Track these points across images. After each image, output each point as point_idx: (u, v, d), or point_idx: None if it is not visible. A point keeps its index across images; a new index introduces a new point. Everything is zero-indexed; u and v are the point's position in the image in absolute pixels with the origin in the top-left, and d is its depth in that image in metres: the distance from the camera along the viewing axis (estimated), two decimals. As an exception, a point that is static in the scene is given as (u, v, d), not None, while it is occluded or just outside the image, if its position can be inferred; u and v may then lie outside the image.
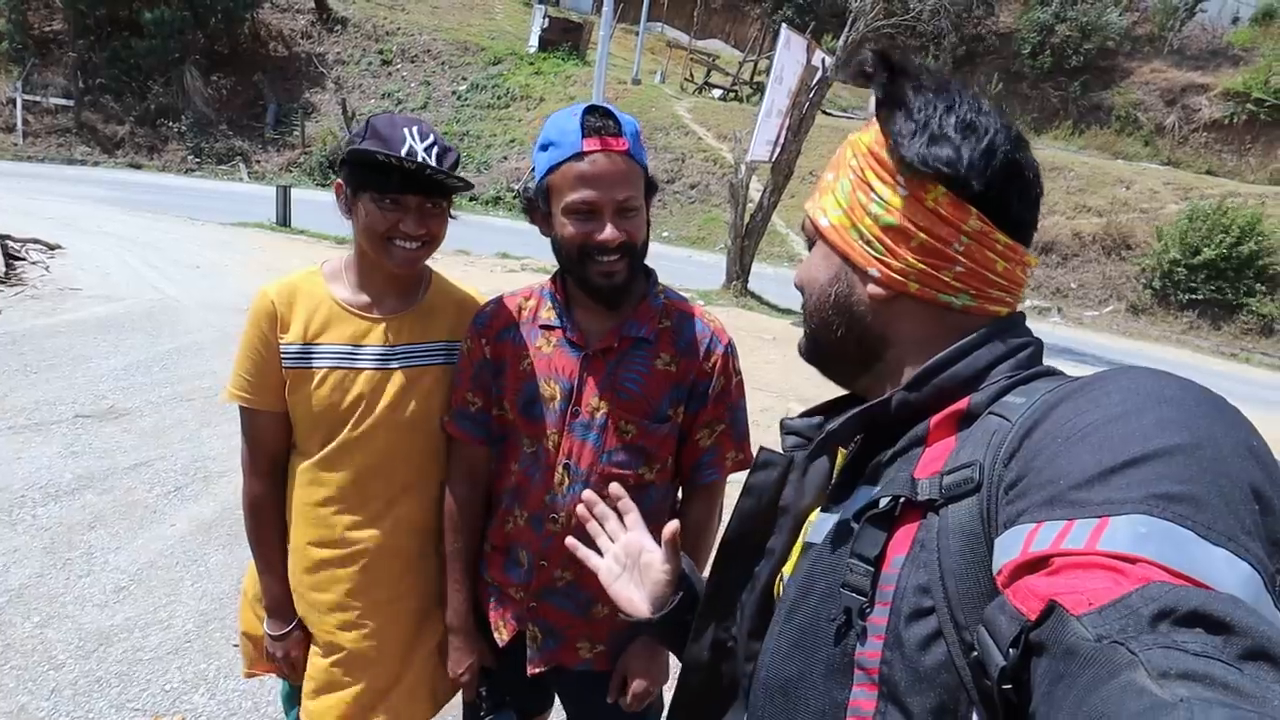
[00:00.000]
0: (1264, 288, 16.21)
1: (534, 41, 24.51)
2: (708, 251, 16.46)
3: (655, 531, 1.59)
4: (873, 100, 0.89)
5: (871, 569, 0.73)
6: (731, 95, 24.86)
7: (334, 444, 1.65)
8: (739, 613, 0.97)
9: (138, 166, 19.10)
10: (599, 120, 1.43)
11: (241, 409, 1.68)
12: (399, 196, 1.54)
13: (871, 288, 0.85)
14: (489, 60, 23.27)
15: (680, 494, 1.71)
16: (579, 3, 32.73)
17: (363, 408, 1.63)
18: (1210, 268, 16.14)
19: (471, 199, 18.61)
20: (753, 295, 12.11)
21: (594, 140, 1.42)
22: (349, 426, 1.63)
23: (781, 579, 0.91)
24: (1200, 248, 16.10)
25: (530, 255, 12.22)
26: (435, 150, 1.53)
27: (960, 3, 27.92)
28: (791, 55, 11.18)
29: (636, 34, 26.16)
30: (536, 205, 1.52)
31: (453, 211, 1.69)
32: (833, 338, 0.90)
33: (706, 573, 1.06)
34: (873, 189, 0.84)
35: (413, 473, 1.69)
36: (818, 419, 0.96)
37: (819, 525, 0.85)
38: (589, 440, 1.54)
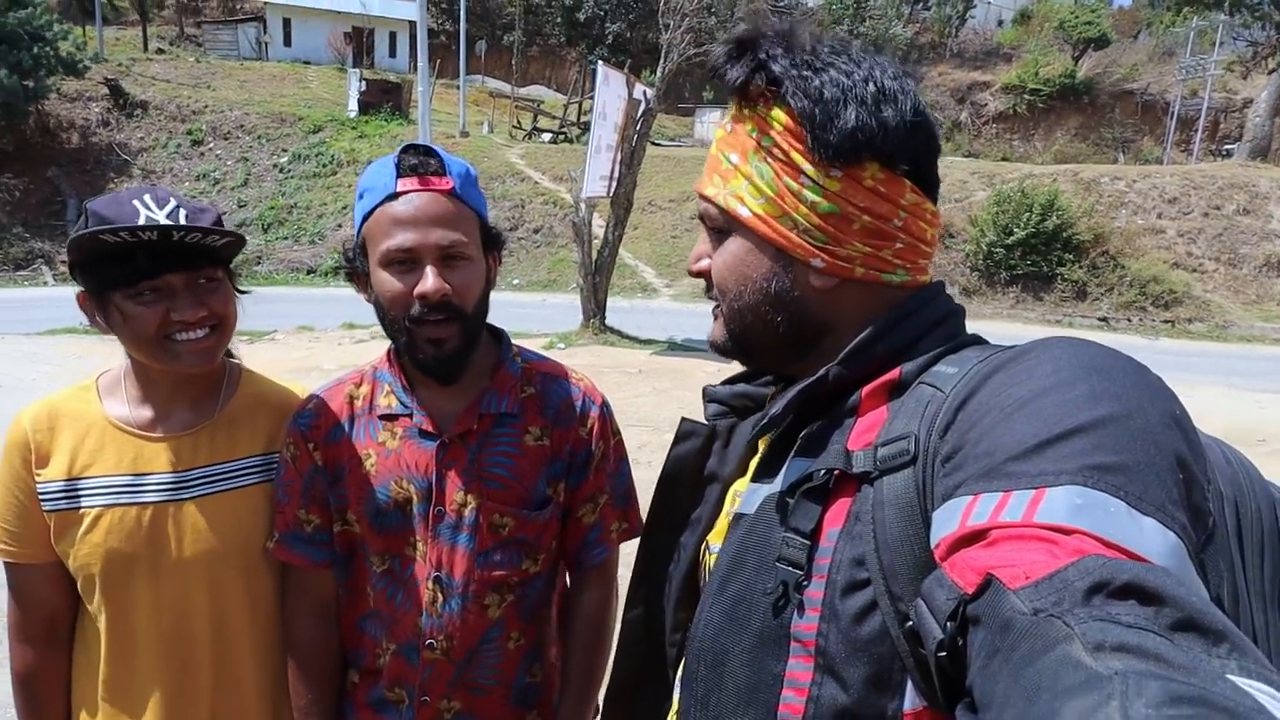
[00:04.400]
0: (1071, 256, 17.76)
1: (353, 105, 23.99)
2: (561, 293, 16.43)
3: (540, 626, 1.43)
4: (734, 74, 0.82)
5: (807, 542, 0.72)
6: (561, 137, 25.17)
7: (118, 604, 1.30)
8: (667, 585, 0.96)
9: (-82, 286, 17.17)
10: (415, 158, 1.25)
11: (6, 564, 1.34)
12: (155, 281, 1.23)
13: (815, 279, 0.82)
14: (308, 129, 22.51)
15: (569, 580, 1.50)
16: (395, 63, 32.39)
17: (151, 553, 1.30)
18: (1024, 245, 17.53)
19: (309, 271, 17.84)
20: (612, 330, 12.13)
21: (410, 179, 1.23)
22: (136, 578, 1.30)
23: (708, 548, 0.90)
24: (1011, 228, 17.50)
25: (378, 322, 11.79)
26: (183, 213, 1.26)
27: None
28: (612, 91, 11.39)
29: (458, 88, 26.08)
30: (355, 265, 1.31)
31: (240, 286, 1.39)
32: (770, 332, 0.85)
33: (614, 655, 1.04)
34: (803, 173, 0.79)
35: (235, 625, 1.36)
36: (740, 386, 0.96)
37: (748, 496, 0.83)
38: (459, 544, 1.30)
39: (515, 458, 1.33)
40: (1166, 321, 16.63)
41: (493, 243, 1.35)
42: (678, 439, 0.97)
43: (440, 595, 1.30)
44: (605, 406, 1.45)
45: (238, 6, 35.53)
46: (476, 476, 1.31)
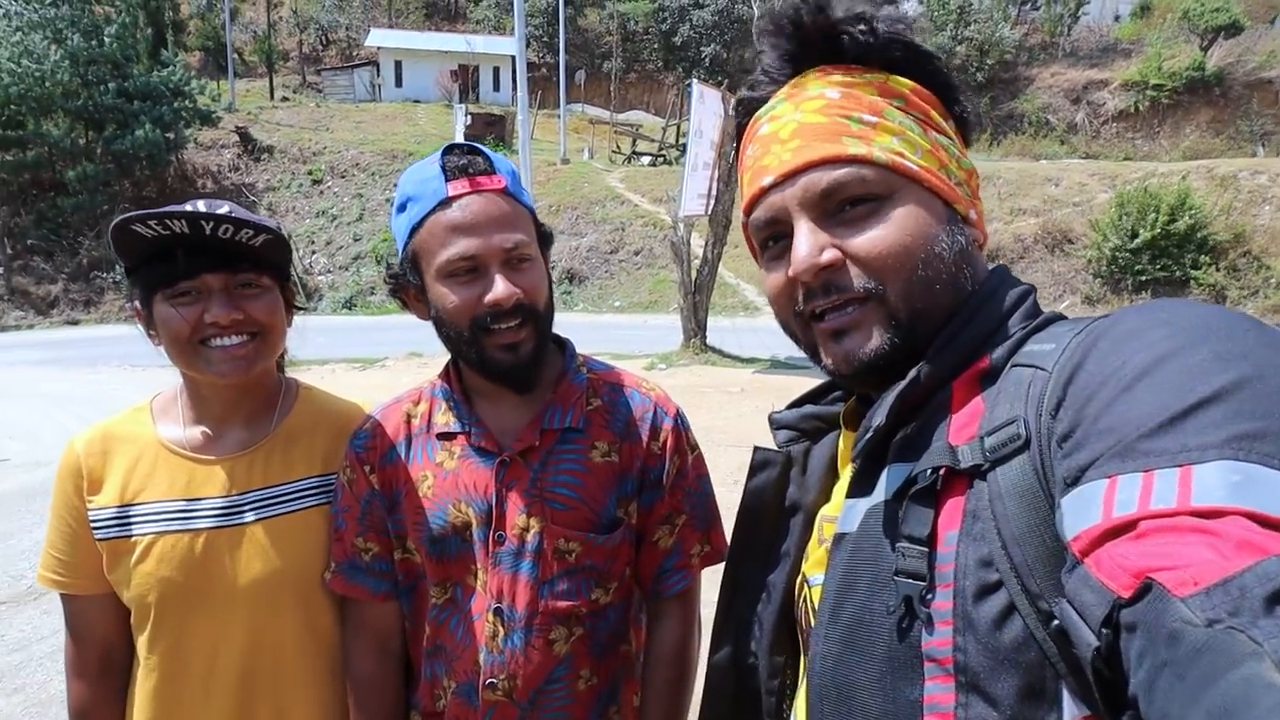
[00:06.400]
0: (1208, 259, 16.49)
1: (459, 139, 24.89)
2: (662, 314, 16.40)
3: (616, 663, 1.29)
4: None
5: (925, 550, 0.66)
6: (660, 160, 25.30)
7: (171, 636, 1.24)
8: (756, 628, 0.90)
9: (75, 323, 18.73)
10: (462, 158, 1.15)
11: (61, 595, 1.29)
12: (191, 282, 1.19)
13: (973, 231, 0.80)
14: (417, 164, 23.53)
15: (645, 613, 1.37)
16: (498, 96, 33.48)
17: (205, 582, 1.24)
18: (1152, 247, 16.38)
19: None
20: (713, 350, 11.99)
21: (460, 181, 1.14)
22: (190, 609, 1.24)
23: (806, 581, 0.84)
24: (1136, 230, 16.39)
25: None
26: (234, 215, 1.18)
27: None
28: (708, 108, 11.33)
29: (558, 117, 26.67)
30: (405, 280, 1.21)
31: (298, 302, 1.33)
32: (953, 301, 0.77)
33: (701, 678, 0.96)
34: (944, 133, 0.80)
35: (292, 658, 1.28)
36: (807, 408, 0.92)
37: (846, 514, 0.77)
38: (521, 572, 1.19)
39: (581, 476, 1.22)
40: (1323, 326, 15.19)
41: (545, 241, 1.26)
42: (753, 470, 0.91)
43: (501, 629, 1.19)
44: (680, 418, 1.32)
45: (354, 53, 37.56)
46: (539, 497, 1.20)
